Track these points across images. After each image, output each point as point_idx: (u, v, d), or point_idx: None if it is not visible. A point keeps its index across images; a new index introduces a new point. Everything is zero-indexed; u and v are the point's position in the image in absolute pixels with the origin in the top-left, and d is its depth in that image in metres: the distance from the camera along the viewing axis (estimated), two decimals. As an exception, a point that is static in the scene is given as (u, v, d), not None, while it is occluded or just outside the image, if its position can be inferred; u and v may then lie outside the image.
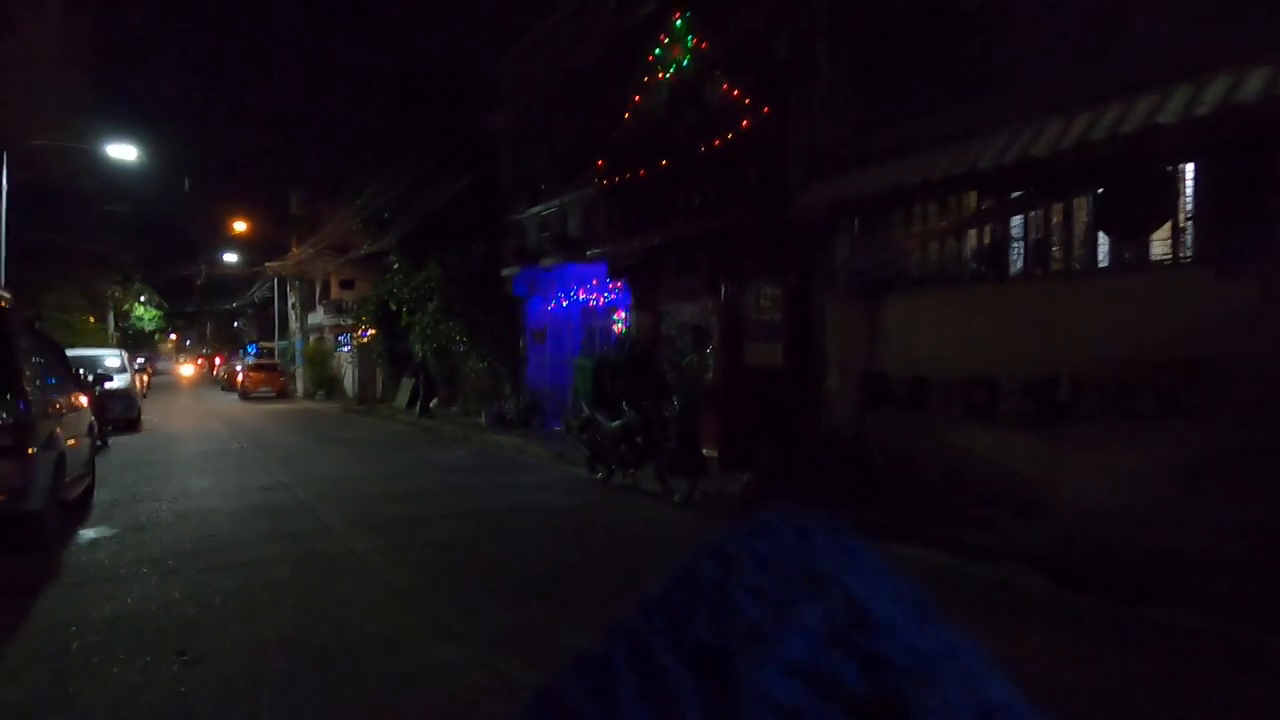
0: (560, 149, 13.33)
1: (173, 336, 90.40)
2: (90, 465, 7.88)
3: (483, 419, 15.60)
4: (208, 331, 79.50)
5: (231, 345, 64.21)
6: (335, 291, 31.56)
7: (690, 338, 9.68)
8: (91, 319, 39.78)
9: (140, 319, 59.17)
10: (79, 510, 7.32)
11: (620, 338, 11.37)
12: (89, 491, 7.85)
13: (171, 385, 42.65)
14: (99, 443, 9.75)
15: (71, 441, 6.62)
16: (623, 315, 12.03)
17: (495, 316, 15.11)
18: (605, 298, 12.41)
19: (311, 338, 33.12)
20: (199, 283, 39.29)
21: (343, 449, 13.03)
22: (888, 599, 0.31)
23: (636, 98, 9.98)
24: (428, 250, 15.10)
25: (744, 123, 8.19)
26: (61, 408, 6.66)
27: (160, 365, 69.58)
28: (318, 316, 32.73)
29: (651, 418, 7.79)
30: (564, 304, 13.81)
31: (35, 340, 7.12)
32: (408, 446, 13.28)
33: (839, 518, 0.35)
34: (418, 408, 17.92)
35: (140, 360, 30.72)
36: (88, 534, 6.55)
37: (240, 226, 31.90)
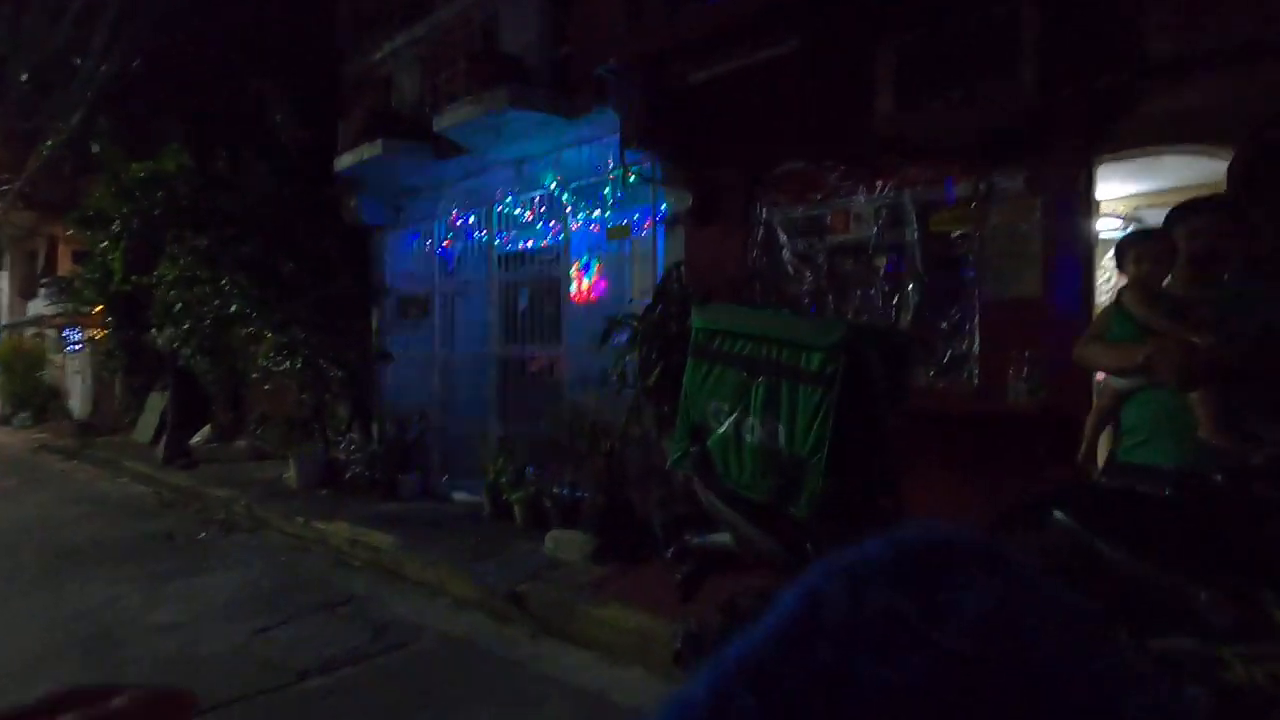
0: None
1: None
2: None
3: (291, 473, 7.94)
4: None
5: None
6: (65, 265, 21.61)
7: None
8: None
9: None
10: None
11: (663, 284, 4.47)
12: None
13: None
14: None
15: None
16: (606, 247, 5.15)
17: (323, 268, 7.56)
18: (597, 214, 5.46)
19: (29, 333, 22.90)
20: None
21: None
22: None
23: None
24: (168, 127, 7.07)
25: None
26: None
27: None
28: (39, 304, 22.46)
29: None
30: (479, 234, 6.60)
31: None
32: (113, 560, 5.44)
33: None
34: (161, 447, 9.67)
35: None
36: None
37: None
